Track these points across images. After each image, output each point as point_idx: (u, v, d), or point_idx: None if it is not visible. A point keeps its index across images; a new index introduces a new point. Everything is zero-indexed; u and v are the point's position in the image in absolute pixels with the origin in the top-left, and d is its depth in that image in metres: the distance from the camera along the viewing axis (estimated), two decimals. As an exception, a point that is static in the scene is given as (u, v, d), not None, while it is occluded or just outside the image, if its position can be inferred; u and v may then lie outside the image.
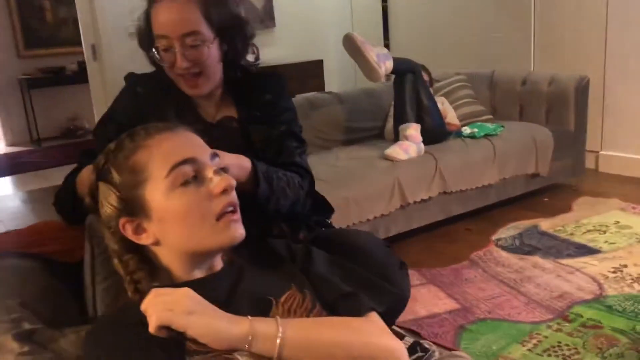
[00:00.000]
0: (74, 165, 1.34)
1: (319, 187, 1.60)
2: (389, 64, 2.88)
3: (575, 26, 3.70)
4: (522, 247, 2.68)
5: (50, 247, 1.27)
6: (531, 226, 2.88)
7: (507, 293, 2.28)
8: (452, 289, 2.35)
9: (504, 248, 2.68)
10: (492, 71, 3.72)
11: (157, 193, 0.93)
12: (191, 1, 1.25)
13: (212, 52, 1.29)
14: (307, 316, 0.96)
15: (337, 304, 0.99)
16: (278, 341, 0.86)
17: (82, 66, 5.37)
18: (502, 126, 3.21)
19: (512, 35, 4.05)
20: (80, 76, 5.74)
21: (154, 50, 1.29)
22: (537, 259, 2.54)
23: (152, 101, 1.34)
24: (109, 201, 0.96)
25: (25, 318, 0.98)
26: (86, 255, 1.20)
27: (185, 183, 0.93)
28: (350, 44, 2.83)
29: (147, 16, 1.30)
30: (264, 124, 1.36)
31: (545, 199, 3.29)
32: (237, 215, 0.98)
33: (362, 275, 1.07)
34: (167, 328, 0.83)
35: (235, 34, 1.34)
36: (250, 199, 1.15)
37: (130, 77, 1.43)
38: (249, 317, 0.88)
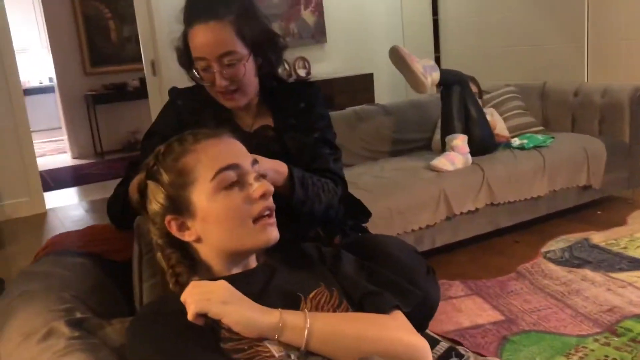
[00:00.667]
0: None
1: (362, 197, 1.64)
2: (436, 75, 2.90)
3: (630, 36, 3.60)
4: (572, 260, 2.63)
5: (103, 247, 1.36)
6: (582, 239, 2.82)
7: (554, 305, 2.24)
8: (497, 300, 2.33)
9: (552, 261, 2.64)
10: (543, 82, 3.66)
11: (202, 195, 1.00)
12: (224, 22, 1.30)
13: (248, 68, 1.35)
14: (334, 312, 1.01)
15: (363, 302, 1.03)
16: (306, 332, 0.92)
17: (142, 82, 5.63)
18: (553, 137, 3.16)
19: (564, 47, 3.98)
20: (141, 92, 6.01)
21: (194, 70, 1.36)
22: (586, 272, 2.49)
23: (192, 113, 1.41)
24: (156, 199, 1.04)
25: (77, 308, 1.06)
26: (134, 255, 1.28)
27: (228, 187, 1.00)
28: (396, 56, 2.87)
29: (185, 38, 1.37)
30: (299, 131, 1.41)
31: (599, 212, 3.20)
32: (273, 219, 1.04)
33: (387, 277, 1.10)
34: (204, 316, 0.90)
35: (268, 48, 1.39)
36: (286, 203, 1.20)
37: (173, 92, 1.51)
38: (280, 309, 0.94)
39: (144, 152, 1.44)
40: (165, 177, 1.03)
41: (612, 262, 2.55)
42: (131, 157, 6.45)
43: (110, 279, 1.27)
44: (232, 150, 1.05)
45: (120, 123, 6.82)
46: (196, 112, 1.41)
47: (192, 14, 1.33)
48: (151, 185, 1.05)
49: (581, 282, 2.40)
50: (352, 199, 1.52)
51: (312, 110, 1.45)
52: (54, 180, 5.68)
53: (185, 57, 1.39)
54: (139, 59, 5.18)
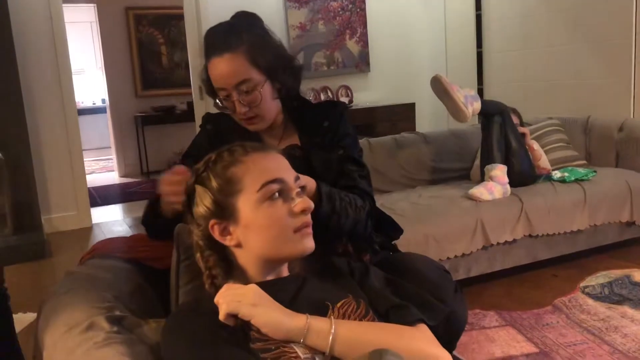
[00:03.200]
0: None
1: (398, 221, 1.66)
2: (477, 105, 2.91)
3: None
4: (611, 296, 2.57)
5: (144, 254, 1.43)
6: (623, 276, 2.75)
7: (591, 341, 2.19)
8: (532, 332, 2.30)
9: (590, 296, 2.58)
10: (587, 116, 3.63)
11: (247, 203, 1.06)
12: (237, 53, 1.37)
13: (265, 93, 1.42)
14: (360, 321, 1.04)
15: (389, 314, 1.06)
16: (330, 337, 0.95)
17: (190, 106, 5.81)
18: (595, 171, 3.11)
19: (609, 82, 3.94)
20: (188, 115, 6.20)
21: (217, 100, 1.45)
22: (626, 309, 2.42)
23: (221, 136, 1.48)
24: (204, 202, 1.10)
25: (117, 307, 1.12)
26: (172, 261, 1.34)
27: (272, 198, 1.06)
28: (438, 85, 2.90)
29: (206, 72, 1.45)
30: (324, 149, 1.46)
31: (642, 250, 3.13)
32: (310, 230, 1.10)
33: (414, 291, 1.13)
34: (234, 317, 0.95)
35: (283, 72, 1.45)
36: (313, 217, 1.24)
37: (204, 117, 1.60)
38: (307, 314, 0.98)
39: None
40: (213, 183, 1.09)
41: (654, 300, 2.48)
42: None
43: (149, 284, 1.33)
44: (278, 165, 1.11)
45: (166, 144, 7.03)
46: (224, 135, 1.47)
47: (209, 49, 1.41)
48: (199, 189, 1.11)
49: (621, 318, 2.34)
50: (382, 215, 1.54)
51: (337, 128, 1.50)
52: (101, 196, 5.88)
53: (209, 88, 1.47)
54: (187, 84, 5.37)
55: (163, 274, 1.37)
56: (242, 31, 1.40)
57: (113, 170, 7.56)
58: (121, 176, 7.24)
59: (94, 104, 9.02)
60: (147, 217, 1.43)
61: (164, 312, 1.30)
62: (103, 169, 8.00)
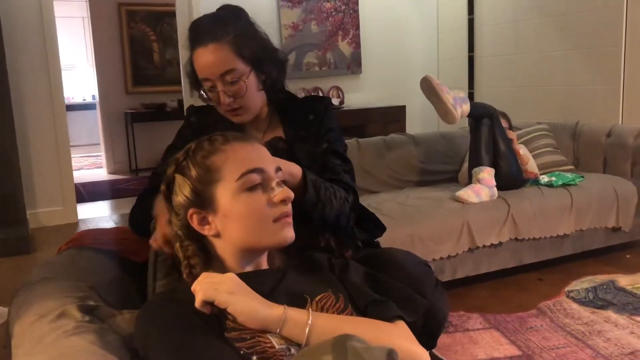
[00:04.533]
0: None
1: (385, 222, 1.65)
2: (466, 107, 2.91)
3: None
4: (596, 300, 2.57)
5: (122, 247, 1.41)
6: (608, 281, 2.75)
7: (574, 345, 2.19)
8: (515, 335, 2.29)
9: (575, 300, 2.58)
10: (576, 122, 3.64)
11: (226, 192, 1.05)
12: (222, 42, 1.37)
13: (250, 84, 1.41)
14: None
15: (368, 309, 1.05)
16: (307, 328, 0.94)
17: (181, 104, 5.78)
18: (582, 177, 3.12)
19: (599, 88, 3.96)
20: (178, 113, 6.17)
21: (202, 91, 1.44)
22: (610, 313, 2.42)
23: (205, 128, 1.46)
24: (182, 192, 1.08)
25: (91, 297, 1.10)
26: (150, 255, 1.32)
27: (251, 188, 1.05)
28: (428, 86, 2.89)
29: (191, 63, 1.44)
30: (308, 142, 1.46)
31: (627, 255, 3.13)
32: (291, 219, 1.09)
33: (394, 286, 1.12)
34: (210, 304, 0.94)
35: (268, 63, 1.45)
36: (297, 205, 1.23)
37: (189, 109, 1.60)
38: (284, 305, 0.97)
39: (163, 164, 1.50)
40: (193, 172, 1.08)
41: (638, 305, 2.48)
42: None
43: (126, 276, 1.32)
44: (258, 154, 1.10)
45: (156, 142, 6.97)
46: (210, 127, 1.46)
47: (194, 39, 1.41)
48: (179, 178, 1.10)
49: (604, 323, 2.34)
50: (365, 211, 1.54)
51: (321, 122, 1.50)
52: (88, 192, 5.84)
53: (194, 80, 1.46)
54: (178, 82, 5.35)
55: (141, 267, 1.36)
56: (227, 22, 1.40)
57: (102, 167, 7.51)
58: (110, 173, 7.19)
59: (84, 100, 8.96)
60: (137, 217, 1.41)
61: (140, 305, 1.28)
62: (92, 166, 7.94)
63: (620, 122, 3.82)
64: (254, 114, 1.47)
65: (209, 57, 1.37)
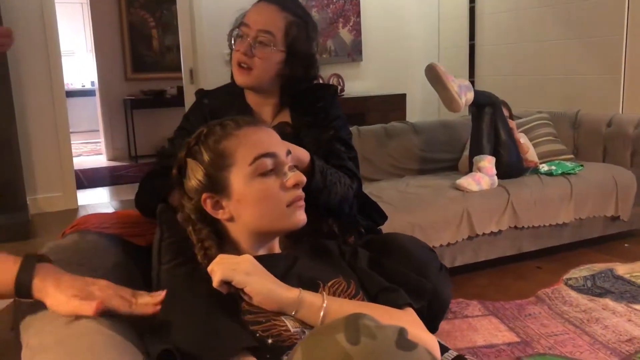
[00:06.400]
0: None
1: (385, 209, 1.66)
2: (470, 96, 2.90)
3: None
4: (594, 288, 2.59)
5: (125, 230, 1.41)
6: (606, 269, 2.77)
7: (572, 332, 2.21)
8: (514, 322, 2.31)
9: (573, 288, 2.60)
10: (576, 111, 3.64)
11: (239, 177, 1.06)
12: (283, 12, 1.43)
13: (273, 59, 1.43)
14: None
15: (378, 296, 1.07)
16: (322, 312, 0.95)
17: (180, 90, 5.76)
18: (582, 166, 3.13)
19: (600, 77, 3.96)
20: (178, 99, 6.15)
21: (234, 32, 1.46)
22: (607, 301, 2.44)
23: (216, 111, 1.48)
24: (196, 176, 1.09)
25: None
26: (155, 239, 1.33)
27: (264, 173, 1.06)
28: (433, 73, 2.88)
29: (244, 14, 1.47)
30: (315, 128, 1.47)
31: (626, 244, 3.15)
32: (303, 203, 1.10)
33: (399, 272, 1.13)
34: (227, 284, 0.95)
35: (301, 64, 1.47)
36: (304, 190, 1.24)
37: (199, 92, 1.59)
38: (300, 288, 0.98)
39: (171, 144, 1.51)
40: (205, 157, 1.08)
41: (636, 293, 2.50)
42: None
43: (129, 260, 1.32)
44: (270, 139, 1.11)
45: (155, 128, 6.97)
46: (220, 110, 1.47)
47: None
48: (191, 163, 1.10)
49: (602, 311, 2.36)
50: (368, 200, 1.55)
51: (329, 110, 1.51)
52: (88, 179, 5.84)
53: (235, 27, 1.49)
54: (178, 68, 5.32)
55: (145, 250, 1.36)
56: (299, 6, 1.47)
57: (101, 154, 7.51)
58: (109, 159, 7.19)
59: (83, 86, 8.93)
60: (150, 199, 1.40)
61: (144, 288, 1.29)
62: (91, 152, 7.94)
63: (620, 112, 3.83)
64: (255, 83, 1.47)
65: (264, 11, 1.43)
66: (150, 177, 1.47)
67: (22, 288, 0.92)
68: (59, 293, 0.92)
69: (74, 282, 0.95)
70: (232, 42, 1.46)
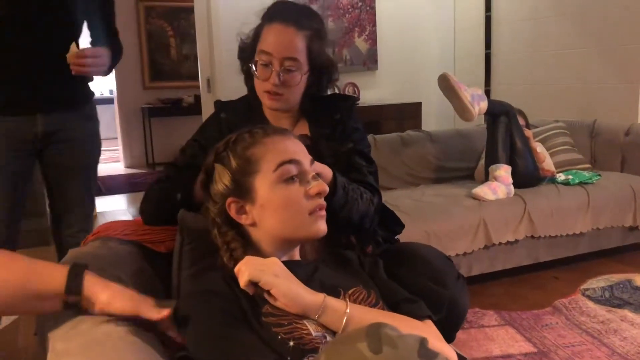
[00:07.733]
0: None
1: (401, 218, 1.67)
2: (484, 105, 2.91)
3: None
4: (612, 299, 2.56)
5: (146, 237, 1.43)
6: (624, 280, 2.75)
7: (589, 343, 2.19)
8: (531, 332, 2.30)
9: (591, 298, 2.58)
10: (593, 120, 3.62)
11: (264, 183, 1.08)
12: (302, 31, 1.40)
13: (302, 82, 1.43)
14: None
15: (398, 306, 1.08)
16: (345, 317, 0.97)
17: (198, 99, 5.81)
18: (599, 175, 3.11)
19: (617, 86, 3.93)
20: (195, 108, 6.20)
21: (252, 64, 1.44)
22: (626, 312, 2.42)
23: (233, 124, 1.48)
24: (222, 181, 1.12)
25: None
26: (176, 245, 1.35)
27: (288, 180, 1.08)
28: (445, 83, 2.90)
29: (257, 33, 1.45)
30: (334, 141, 1.47)
31: (645, 255, 3.12)
32: (324, 213, 1.12)
33: (419, 283, 1.14)
34: (254, 285, 0.97)
35: (324, 73, 1.48)
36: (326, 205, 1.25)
37: (217, 104, 1.59)
38: (324, 294, 1.00)
39: (182, 155, 1.53)
40: (233, 163, 1.11)
41: (655, 305, 2.48)
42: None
43: (150, 266, 1.34)
44: (295, 148, 1.14)
45: (172, 136, 7.03)
46: (237, 125, 1.45)
47: (277, 13, 1.43)
48: (219, 167, 1.13)
49: (620, 322, 2.34)
50: (385, 209, 1.55)
51: (347, 122, 1.51)
52: (106, 186, 5.91)
53: (249, 50, 1.47)
54: (195, 77, 5.38)
55: (165, 257, 1.39)
56: (313, 18, 1.44)
57: (119, 161, 7.59)
58: (127, 167, 7.27)
59: (101, 94, 9.04)
60: (159, 205, 1.41)
61: (164, 295, 1.31)
62: (109, 159, 8.02)
63: (638, 121, 3.79)
64: (288, 107, 1.48)
65: (284, 36, 1.39)
66: (158, 183, 1.49)
67: (73, 284, 0.94)
68: (115, 290, 0.97)
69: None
70: (255, 71, 1.44)
